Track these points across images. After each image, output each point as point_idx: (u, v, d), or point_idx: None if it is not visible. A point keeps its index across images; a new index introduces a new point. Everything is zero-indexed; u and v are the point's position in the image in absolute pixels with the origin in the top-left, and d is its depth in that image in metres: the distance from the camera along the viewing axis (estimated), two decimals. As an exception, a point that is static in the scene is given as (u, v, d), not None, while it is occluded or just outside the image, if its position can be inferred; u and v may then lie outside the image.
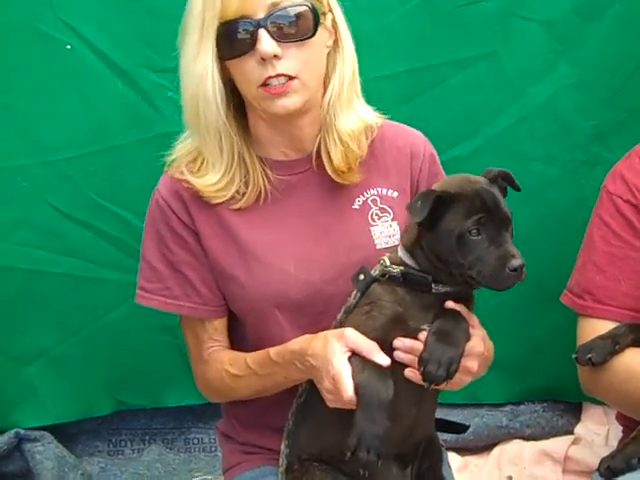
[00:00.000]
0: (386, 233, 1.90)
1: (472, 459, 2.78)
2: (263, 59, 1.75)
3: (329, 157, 1.87)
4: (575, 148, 2.63)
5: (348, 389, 1.64)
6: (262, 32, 1.74)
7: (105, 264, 2.55)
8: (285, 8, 1.75)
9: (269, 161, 1.89)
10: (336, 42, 1.87)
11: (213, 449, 2.76)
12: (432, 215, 1.66)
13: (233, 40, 1.75)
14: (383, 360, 1.66)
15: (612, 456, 1.92)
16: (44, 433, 2.63)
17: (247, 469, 1.98)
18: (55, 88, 2.45)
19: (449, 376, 1.64)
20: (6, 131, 2.46)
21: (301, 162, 1.90)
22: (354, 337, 1.69)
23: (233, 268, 1.87)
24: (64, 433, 2.69)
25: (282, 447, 1.84)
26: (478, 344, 1.72)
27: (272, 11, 1.75)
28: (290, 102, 1.79)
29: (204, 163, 1.85)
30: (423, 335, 1.69)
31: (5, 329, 2.57)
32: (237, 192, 1.86)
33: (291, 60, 1.77)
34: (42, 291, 2.55)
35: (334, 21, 1.85)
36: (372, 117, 1.93)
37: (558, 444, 2.77)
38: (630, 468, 1.91)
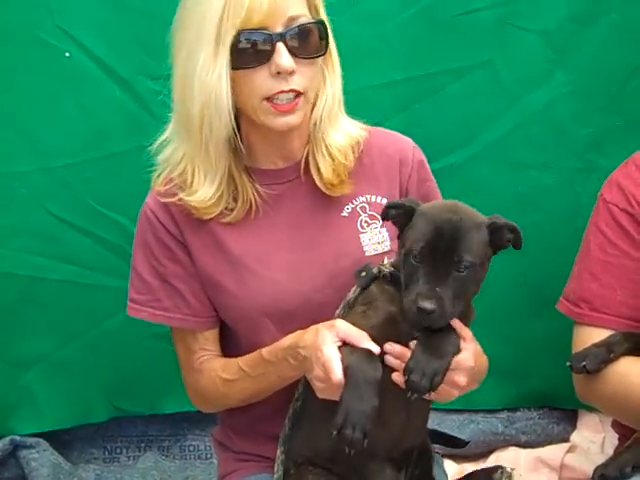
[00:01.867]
0: (375, 240, 1.90)
1: (468, 466, 2.77)
2: (278, 73, 1.74)
3: (318, 170, 1.88)
4: (571, 156, 2.63)
5: (337, 372, 1.64)
6: (280, 46, 1.74)
7: (103, 270, 2.56)
8: (302, 24, 1.76)
9: (257, 171, 1.89)
10: (325, 59, 1.86)
11: (209, 456, 2.75)
12: (401, 222, 1.72)
13: (249, 50, 1.74)
14: (373, 348, 1.66)
15: (606, 464, 1.93)
16: (39, 440, 2.62)
17: (242, 476, 1.98)
18: (53, 95, 2.45)
19: (432, 388, 1.62)
20: (4, 137, 2.46)
21: (289, 171, 1.90)
22: (345, 327, 1.70)
23: (223, 279, 1.87)
24: (59, 440, 2.68)
25: (278, 453, 1.84)
26: (468, 358, 1.71)
27: (290, 25, 1.75)
28: (294, 119, 1.80)
29: (195, 175, 1.85)
30: (414, 344, 1.69)
31: (3, 335, 2.56)
32: (226, 208, 1.86)
33: (302, 76, 1.77)
34: (40, 297, 2.55)
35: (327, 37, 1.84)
36: (358, 131, 1.93)
37: (554, 451, 2.76)
38: (624, 476, 1.92)
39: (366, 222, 1.91)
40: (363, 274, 1.79)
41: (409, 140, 2.00)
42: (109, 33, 2.43)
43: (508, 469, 1.87)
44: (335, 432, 1.60)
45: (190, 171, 1.85)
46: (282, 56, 1.73)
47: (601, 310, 2.06)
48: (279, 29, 1.74)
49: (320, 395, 1.71)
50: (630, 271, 2.05)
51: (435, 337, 1.66)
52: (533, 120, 2.61)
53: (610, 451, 2.35)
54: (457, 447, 2.05)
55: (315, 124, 1.87)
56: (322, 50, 1.80)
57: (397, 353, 1.70)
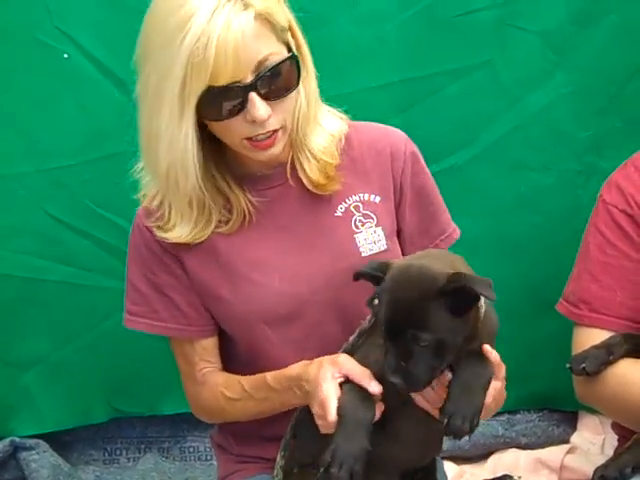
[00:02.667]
0: (370, 239, 1.87)
1: (468, 468, 2.77)
2: (254, 121, 1.70)
3: (305, 173, 1.85)
4: (571, 157, 2.63)
5: (332, 412, 1.61)
6: (253, 96, 1.67)
7: (101, 272, 2.55)
8: (272, 66, 1.68)
9: (246, 179, 1.86)
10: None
11: (209, 458, 2.75)
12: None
13: (220, 105, 1.68)
14: (374, 388, 1.63)
15: (606, 465, 1.92)
16: (39, 441, 2.62)
17: (243, 477, 1.98)
18: (52, 96, 2.44)
19: (472, 430, 1.59)
20: (3, 139, 2.46)
21: (277, 175, 1.87)
22: (347, 363, 1.67)
23: (218, 288, 1.86)
24: (59, 441, 2.68)
25: (277, 458, 1.83)
26: (488, 396, 1.64)
27: (260, 71, 1.67)
28: (276, 150, 1.77)
29: (172, 212, 1.82)
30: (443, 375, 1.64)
31: (2, 336, 2.57)
32: (219, 221, 1.84)
33: (278, 114, 1.72)
34: (39, 299, 2.55)
35: (297, 42, 1.78)
36: (339, 127, 1.90)
37: (554, 453, 2.76)
38: (623, 477, 1.91)
39: (360, 221, 1.88)
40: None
41: (400, 133, 1.96)
42: (108, 34, 2.43)
43: (516, 477, 1.86)
44: (322, 469, 1.58)
45: (167, 207, 1.83)
46: (256, 106, 1.68)
47: (601, 311, 2.06)
48: (249, 78, 1.66)
49: (322, 431, 1.68)
50: (630, 272, 2.05)
51: (469, 373, 1.61)
52: (532, 121, 2.60)
53: (610, 452, 2.34)
54: None
55: (294, 131, 1.82)
56: (295, 84, 1.74)
57: (430, 397, 1.65)
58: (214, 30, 1.62)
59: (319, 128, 1.86)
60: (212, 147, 1.80)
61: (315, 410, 1.67)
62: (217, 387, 1.89)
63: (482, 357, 1.64)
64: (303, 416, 1.82)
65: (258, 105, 1.68)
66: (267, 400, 1.82)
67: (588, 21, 2.57)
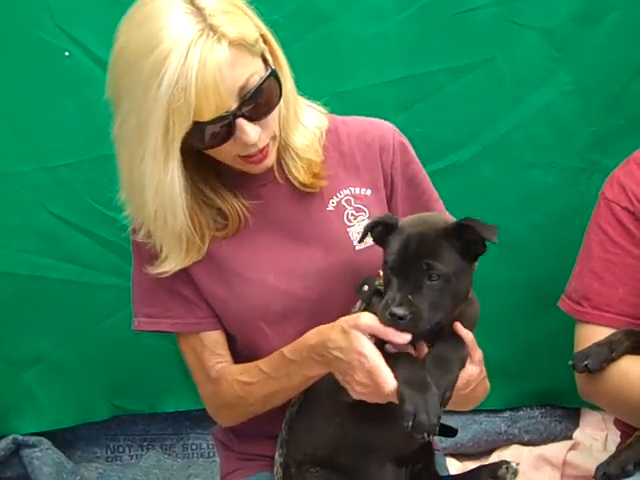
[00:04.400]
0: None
1: (470, 464, 2.77)
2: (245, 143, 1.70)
3: (292, 174, 1.85)
4: (574, 155, 2.62)
5: (391, 382, 1.60)
6: (241, 121, 1.67)
7: (104, 270, 2.56)
8: (254, 89, 1.66)
9: (237, 180, 1.85)
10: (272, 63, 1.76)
11: (211, 455, 2.75)
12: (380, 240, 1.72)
13: (208, 135, 1.67)
14: (403, 338, 1.62)
15: (607, 462, 1.92)
16: (42, 439, 2.62)
17: (245, 475, 1.98)
18: (53, 95, 2.45)
19: (443, 403, 1.62)
20: (5, 138, 2.46)
21: (266, 174, 1.85)
22: (370, 322, 1.64)
23: (214, 287, 1.86)
24: (62, 439, 2.68)
25: (276, 456, 1.84)
26: (463, 382, 1.67)
27: (243, 95, 1.66)
28: (268, 162, 1.78)
29: (163, 245, 1.82)
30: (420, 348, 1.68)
31: (4, 335, 2.57)
32: (217, 229, 1.84)
33: (267, 129, 1.73)
34: (41, 297, 2.55)
35: (271, 48, 1.76)
36: (318, 121, 1.89)
37: (556, 449, 2.76)
38: (626, 474, 1.91)
39: (352, 215, 1.88)
40: (365, 288, 1.75)
41: (388, 124, 1.96)
42: (109, 32, 2.40)
43: (513, 464, 1.86)
44: (409, 422, 1.56)
45: (157, 239, 1.82)
46: (245, 132, 1.68)
47: (603, 308, 2.06)
48: (233, 105, 1.65)
49: (357, 396, 1.67)
50: (631, 269, 2.05)
51: (443, 348, 1.66)
52: (535, 119, 2.60)
53: (613, 448, 2.34)
54: (448, 436, 2.03)
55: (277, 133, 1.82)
56: (278, 99, 1.73)
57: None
58: (191, 70, 1.60)
59: (300, 126, 1.85)
60: (196, 160, 1.79)
61: (359, 379, 1.64)
62: (231, 376, 1.87)
63: (458, 337, 1.68)
64: (297, 412, 1.83)
65: (247, 130, 1.68)
66: (289, 376, 1.78)
67: (591, 18, 2.56)
